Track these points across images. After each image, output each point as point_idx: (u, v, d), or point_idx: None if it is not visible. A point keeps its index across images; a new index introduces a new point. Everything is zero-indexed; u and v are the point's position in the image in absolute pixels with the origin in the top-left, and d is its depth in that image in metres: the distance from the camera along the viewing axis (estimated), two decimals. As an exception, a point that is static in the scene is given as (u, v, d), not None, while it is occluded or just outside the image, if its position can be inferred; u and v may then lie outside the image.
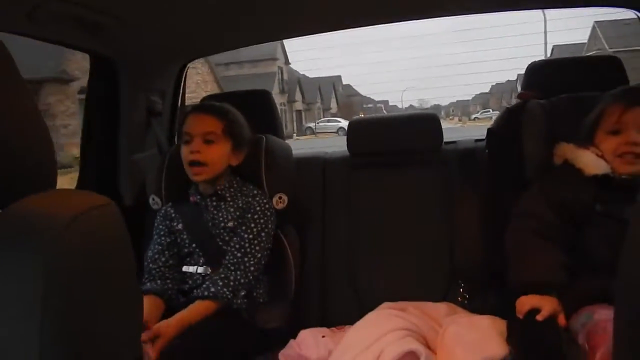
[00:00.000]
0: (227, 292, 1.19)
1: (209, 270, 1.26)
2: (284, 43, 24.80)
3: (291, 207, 1.44)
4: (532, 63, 1.52)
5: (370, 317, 1.20)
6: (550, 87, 1.40)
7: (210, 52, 1.82)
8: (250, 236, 1.27)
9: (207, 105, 1.37)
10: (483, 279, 1.37)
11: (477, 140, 1.66)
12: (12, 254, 0.47)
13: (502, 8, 1.64)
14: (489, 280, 1.34)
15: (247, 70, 23.68)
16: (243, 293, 1.22)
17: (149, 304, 1.18)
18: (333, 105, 34.59)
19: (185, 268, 1.28)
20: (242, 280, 1.22)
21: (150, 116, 1.63)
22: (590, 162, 1.14)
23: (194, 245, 1.29)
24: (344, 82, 41.66)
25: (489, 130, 1.47)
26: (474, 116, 39.77)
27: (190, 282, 1.26)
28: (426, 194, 1.54)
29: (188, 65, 1.76)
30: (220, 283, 1.20)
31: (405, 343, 1.07)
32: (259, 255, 1.27)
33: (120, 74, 1.51)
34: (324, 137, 21.73)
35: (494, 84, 52.76)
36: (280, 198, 1.41)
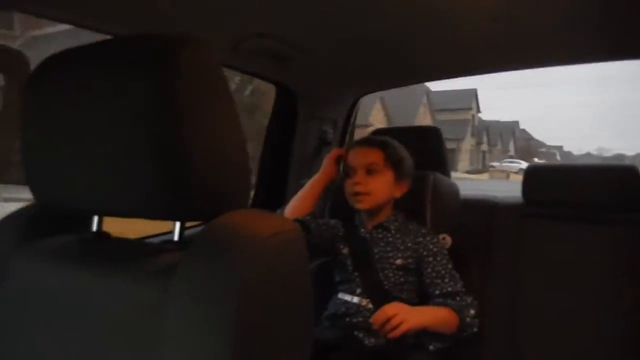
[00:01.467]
0: (471, 315, 1.18)
1: (364, 302, 1.24)
2: (477, 93, 30.11)
3: (453, 250, 1.36)
4: None
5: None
6: None
7: (382, 88, 1.85)
8: (447, 279, 1.23)
9: (368, 139, 1.38)
10: None
11: None
12: (215, 265, 0.51)
13: None
14: None
15: (445, 117, 27.78)
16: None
17: None
18: (511, 147, 38.68)
19: (341, 295, 1.28)
20: (476, 308, 1.20)
21: (321, 144, 1.71)
22: None
23: (355, 273, 1.29)
24: (520, 127, 44.76)
25: None
26: None
27: (343, 309, 1.25)
28: (616, 256, 1.33)
29: (360, 99, 1.81)
30: (461, 305, 1.19)
31: None
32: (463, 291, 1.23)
33: (298, 104, 1.62)
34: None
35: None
36: (444, 239, 1.34)
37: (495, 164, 30.57)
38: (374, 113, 20.06)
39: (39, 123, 0.60)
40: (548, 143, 54.69)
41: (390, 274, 1.26)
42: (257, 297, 0.50)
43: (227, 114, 0.59)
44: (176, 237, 0.62)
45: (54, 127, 0.58)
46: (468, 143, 29.93)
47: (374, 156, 1.30)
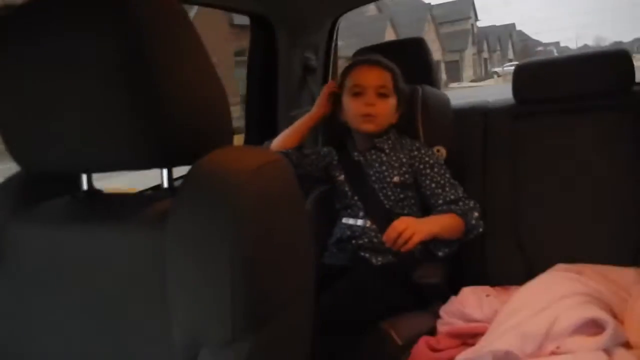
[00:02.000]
0: (476, 217, 1.22)
1: (368, 223, 1.26)
2: (474, 1, 31.24)
3: (449, 160, 1.36)
4: None
5: (542, 278, 1.10)
6: None
7: (361, 3, 1.77)
8: (447, 189, 1.25)
9: (378, 59, 1.34)
10: None
11: None
12: (205, 206, 0.51)
13: None
14: None
15: (446, 29, 28.89)
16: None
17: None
18: (509, 51, 38.76)
19: (345, 220, 1.31)
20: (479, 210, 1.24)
21: (305, 73, 1.67)
22: None
23: (355, 198, 1.30)
24: (517, 29, 45.44)
25: None
26: None
27: (349, 233, 1.28)
28: (611, 144, 1.34)
29: (340, 19, 1.74)
30: (465, 209, 1.23)
31: (586, 309, 0.95)
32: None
33: (276, 32, 1.56)
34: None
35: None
36: (438, 151, 1.35)
37: (497, 69, 30.08)
38: (387, 36, 20.69)
39: (10, 88, 0.58)
40: (544, 41, 54.73)
41: (390, 193, 1.28)
42: (252, 229, 0.51)
43: (197, 54, 0.58)
44: (165, 184, 0.62)
45: (27, 92, 0.57)
46: (470, 52, 30.89)
47: (386, 79, 1.29)
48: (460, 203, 1.24)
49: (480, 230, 1.23)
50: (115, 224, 0.59)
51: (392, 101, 1.30)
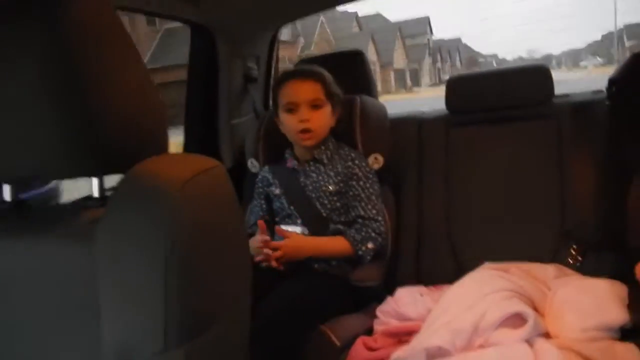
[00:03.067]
0: (365, 249, 1.26)
1: (307, 231, 1.29)
2: (429, 19, 36.44)
3: (386, 167, 1.42)
4: None
5: (471, 276, 1.16)
6: None
7: (301, 15, 1.81)
8: (363, 204, 1.29)
9: (305, 71, 1.37)
10: (597, 239, 1.26)
11: (595, 92, 1.50)
12: (136, 214, 0.50)
13: None
14: (605, 242, 1.23)
15: (408, 43, 33.24)
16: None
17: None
18: (457, 62, 45.25)
19: (283, 227, 1.33)
20: (376, 241, 1.28)
21: (247, 82, 1.68)
22: None
23: (292, 207, 1.33)
24: (462, 42, 53.50)
25: (610, 80, 1.32)
26: (582, 63, 40.23)
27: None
28: (534, 150, 1.44)
29: (280, 29, 1.77)
30: (359, 238, 1.26)
31: (510, 304, 1.02)
32: (380, 218, 1.30)
33: (217, 43, 1.56)
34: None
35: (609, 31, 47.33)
36: (375, 159, 1.40)
37: (448, 77, 34.16)
38: (370, 50, 25.02)
39: None
40: (484, 53, 58.85)
41: (326, 201, 1.31)
42: (185, 239, 0.50)
43: (132, 61, 0.57)
44: (96, 194, 0.61)
45: None
46: (427, 62, 36.26)
47: (317, 91, 1.30)
48: (368, 222, 1.28)
49: (369, 259, 1.27)
50: (42, 236, 0.57)
51: (326, 110, 1.32)
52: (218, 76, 1.60)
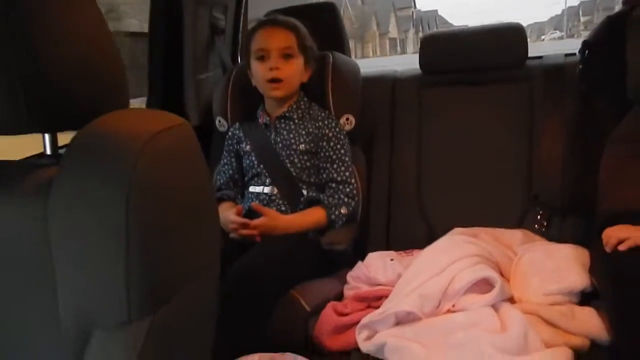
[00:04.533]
0: (338, 213, 1.24)
1: (275, 190, 1.26)
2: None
3: (358, 128, 1.39)
4: None
5: (441, 242, 1.17)
6: None
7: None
8: (335, 166, 1.27)
9: (280, 19, 1.31)
10: (564, 206, 1.28)
11: (567, 55, 1.49)
12: (93, 174, 0.46)
13: None
14: (571, 208, 1.26)
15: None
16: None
17: (227, 207, 1.25)
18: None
19: (252, 188, 1.30)
20: (350, 205, 1.26)
21: (213, 34, 1.58)
22: None
23: (261, 166, 1.29)
24: (439, 14, 57.38)
25: (584, 42, 1.31)
26: (543, 37, 43.10)
27: (256, 201, 1.26)
28: (505, 114, 1.43)
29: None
30: (333, 202, 1.24)
31: (478, 270, 1.03)
32: (353, 181, 1.29)
33: None
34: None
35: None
36: (347, 119, 1.36)
37: None
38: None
39: None
40: (456, 24, 61.58)
41: (296, 160, 1.28)
42: (149, 199, 0.47)
43: (87, 8, 0.52)
44: (48, 151, 0.56)
45: None
46: (411, 32, 41.77)
47: (289, 40, 1.26)
48: (340, 187, 1.26)
49: (340, 223, 1.25)
50: None
51: (298, 61, 1.28)
52: (182, 27, 1.50)
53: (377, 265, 1.17)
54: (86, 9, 0.52)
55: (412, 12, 42.54)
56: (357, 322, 1.02)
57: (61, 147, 0.57)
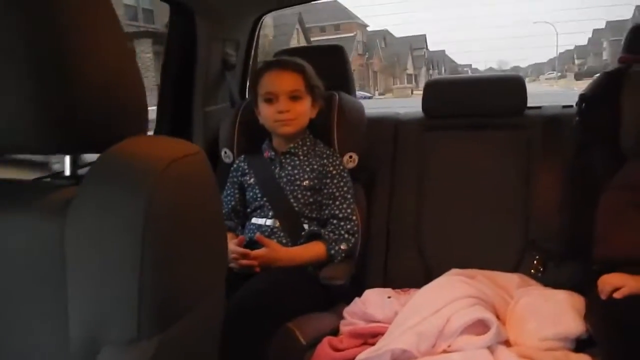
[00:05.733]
0: (337, 249, 1.25)
1: (277, 223, 1.27)
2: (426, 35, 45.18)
3: (361, 166, 1.42)
4: (636, 25, 1.40)
5: (438, 282, 1.18)
6: None
7: (286, 4, 1.78)
8: (337, 203, 1.29)
9: (286, 62, 1.35)
10: (560, 252, 1.30)
11: (564, 107, 1.55)
12: (114, 193, 0.48)
13: None
14: (567, 254, 1.27)
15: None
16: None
17: (228, 238, 1.23)
18: (443, 70, 52.29)
19: (254, 220, 1.31)
20: (350, 242, 1.27)
21: (225, 68, 1.63)
22: None
23: (265, 199, 1.31)
24: (447, 54, 60.77)
25: (581, 95, 1.36)
26: (541, 76, 45.99)
27: (258, 233, 1.28)
28: (504, 160, 1.47)
29: (263, 17, 1.74)
30: (333, 238, 1.26)
31: (474, 311, 1.04)
32: (354, 217, 1.30)
33: (197, 24, 1.51)
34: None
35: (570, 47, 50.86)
36: (350, 157, 1.39)
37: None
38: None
39: None
40: (461, 63, 64.98)
41: (299, 195, 1.30)
42: (163, 224, 0.48)
43: (114, 35, 0.54)
44: (67, 172, 0.58)
45: None
46: (423, 70, 44.23)
47: (297, 83, 1.29)
48: (342, 223, 1.28)
49: (340, 259, 1.26)
50: (7, 214, 0.54)
51: (306, 102, 1.31)
52: (195, 59, 1.55)
53: (374, 302, 1.17)
54: (112, 32, 0.54)
55: (424, 52, 46.47)
56: (352, 358, 1.01)
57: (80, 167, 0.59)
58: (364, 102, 1.64)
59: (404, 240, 1.46)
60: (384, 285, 1.32)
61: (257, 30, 1.75)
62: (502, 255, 1.37)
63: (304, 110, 1.31)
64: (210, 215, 0.57)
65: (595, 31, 44.42)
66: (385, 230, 1.49)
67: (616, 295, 0.99)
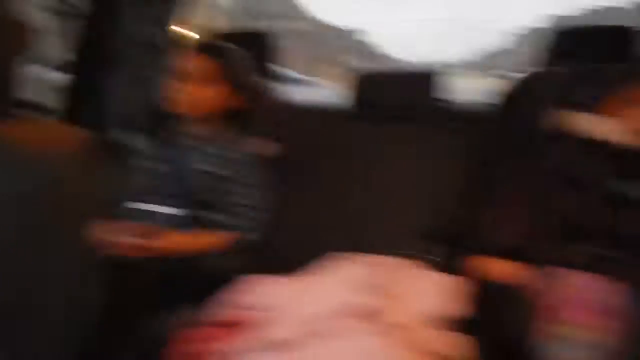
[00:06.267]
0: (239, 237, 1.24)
1: (176, 210, 1.25)
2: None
3: (279, 154, 1.39)
4: (557, 28, 1.49)
5: (325, 267, 1.18)
6: (574, 54, 1.37)
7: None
8: (240, 191, 1.27)
9: (203, 45, 1.33)
10: (452, 238, 1.33)
11: (485, 104, 1.56)
12: None
13: None
14: (458, 241, 1.29)
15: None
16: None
17: (121, 225, 1.19)
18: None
19: (152, 207, 1.27)
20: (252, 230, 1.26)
21: (146, 48, 1.59)
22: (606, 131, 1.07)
23: (164, 184, 1.28)
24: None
25: (500, 93, 1.41)
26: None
27: (155, 220, 1.24)
28: (413, 151, 1.50)
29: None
30: (233, 224, 1.24)
31: (360, 295, 1.05)
32: (259, 205, 1.29)
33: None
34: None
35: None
36: (267, 145, 1.37)
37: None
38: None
39: None
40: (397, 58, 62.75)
41: (201, 181, 1.27)
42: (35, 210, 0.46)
43: None
44: None
45: None
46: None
47: (212, 66, 1.27)
48: (243, 210, 1.26)
49: (241, 248, 1.25)
50: None
51: (219, 88, 1.28)
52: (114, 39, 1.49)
53: (256, 290, 1.15)
54: None
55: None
56: (226, 348, 0.99)
57: None
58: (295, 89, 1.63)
59: (306, 230, 1.45)
60: (277, 272, 1.29)
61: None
62: (396, 241, 1.37)
63: (215, 96, 1.28)
64: (90, 200, 0.54)
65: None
66: (288, 219, 1.45)
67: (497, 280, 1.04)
